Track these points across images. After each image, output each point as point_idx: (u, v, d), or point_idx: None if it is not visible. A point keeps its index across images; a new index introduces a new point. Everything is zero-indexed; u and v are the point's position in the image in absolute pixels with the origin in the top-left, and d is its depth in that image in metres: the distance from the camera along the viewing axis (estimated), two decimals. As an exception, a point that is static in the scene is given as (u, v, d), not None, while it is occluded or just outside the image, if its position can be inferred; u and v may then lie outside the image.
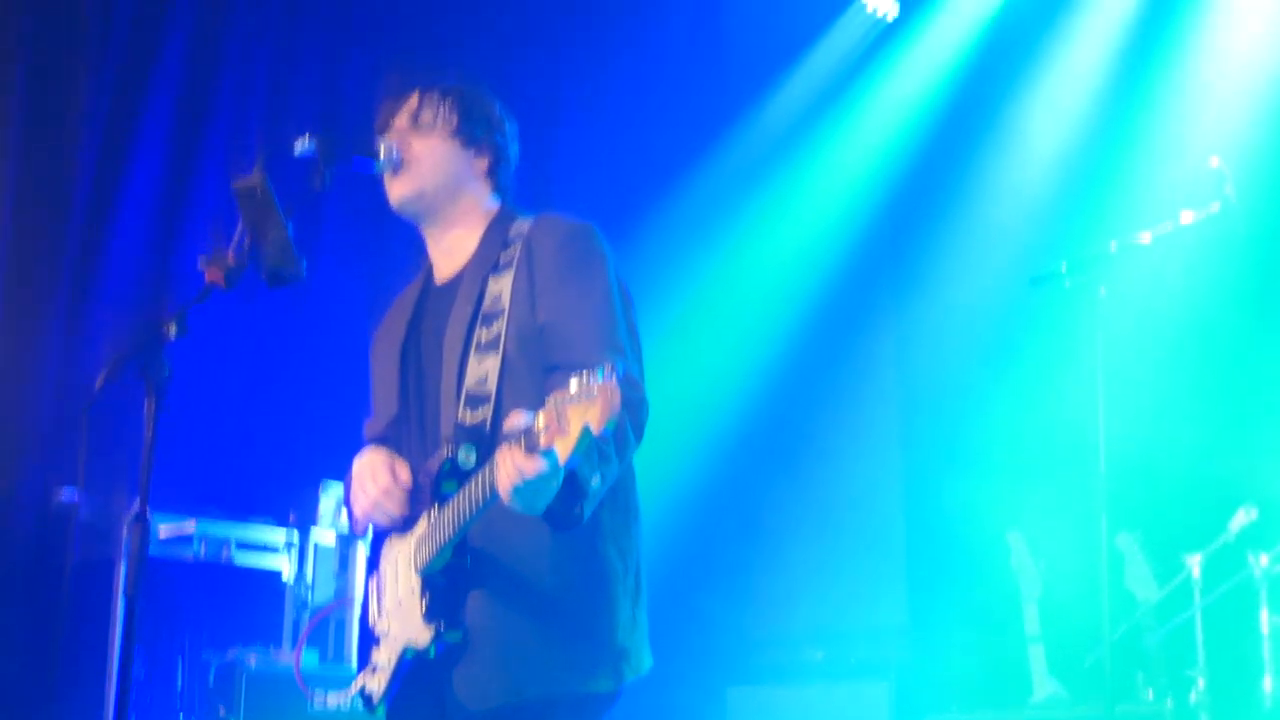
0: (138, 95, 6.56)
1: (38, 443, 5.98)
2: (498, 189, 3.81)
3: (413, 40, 7.31)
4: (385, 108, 3.81)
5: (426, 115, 3.73)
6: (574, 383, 2.92)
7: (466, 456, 3.42)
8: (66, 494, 5.88)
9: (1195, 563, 5.60)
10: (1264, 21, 7.16)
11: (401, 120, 3.75)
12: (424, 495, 3.50)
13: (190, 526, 5.88)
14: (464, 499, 3.34)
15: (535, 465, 3.06)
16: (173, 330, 3.04)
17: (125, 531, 5.36)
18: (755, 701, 7.54)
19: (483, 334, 3.55)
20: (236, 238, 3.21)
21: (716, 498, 8.08)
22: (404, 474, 3.57)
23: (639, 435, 3.42)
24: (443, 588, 3.45)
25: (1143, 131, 7.33)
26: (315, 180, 3.48)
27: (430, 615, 3.43)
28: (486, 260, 3.66)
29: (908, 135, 8.24)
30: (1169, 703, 5.62)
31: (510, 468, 3.10)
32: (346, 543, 6.33)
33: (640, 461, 3.57)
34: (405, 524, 3.56)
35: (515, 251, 3.61)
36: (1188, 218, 5.13)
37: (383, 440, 3.73)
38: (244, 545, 6.17)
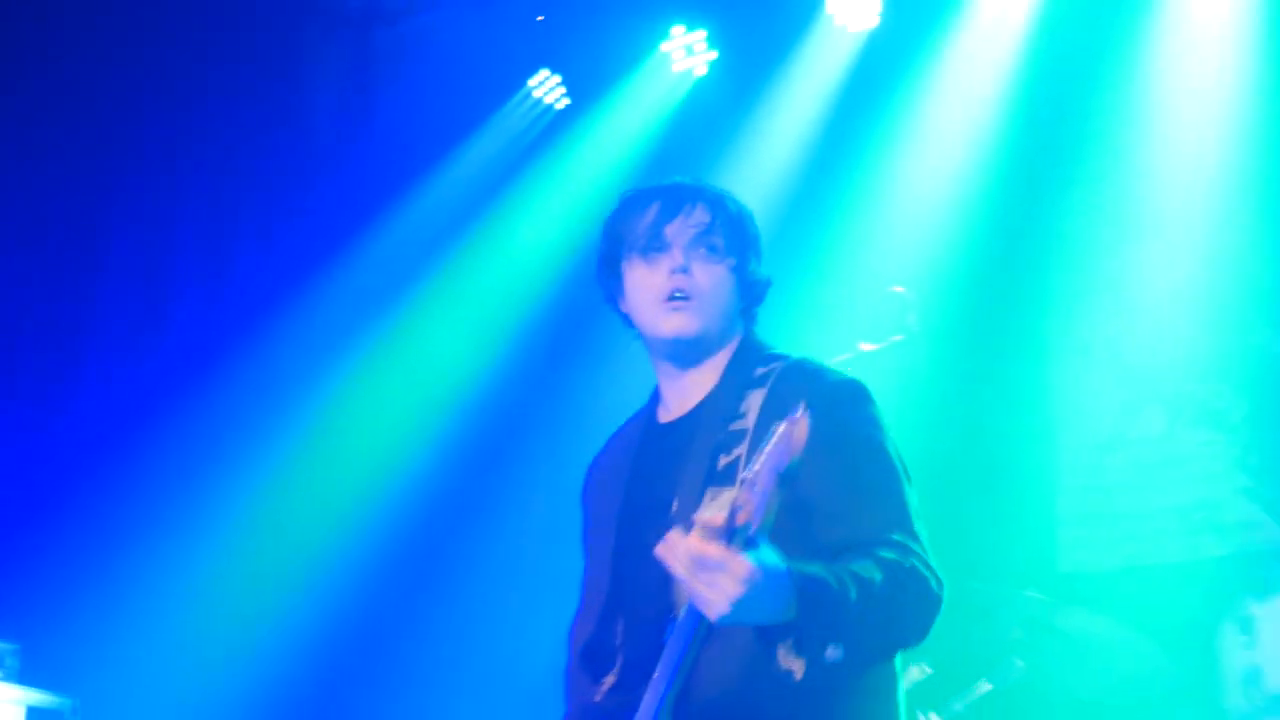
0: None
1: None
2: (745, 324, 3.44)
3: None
4: (656, 214, 3.31)
5: (717, 240, 3.29)
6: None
7: None
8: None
9: None
10: (945, 154, 7.25)
11: (686, 235, 3.28)
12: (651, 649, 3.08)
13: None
14: (670, 643, 2.95)
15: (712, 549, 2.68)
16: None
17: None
18: None
19: (721, 459, 3.13)
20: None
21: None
22: None
23: (917, 632, 2.99)
24: None
25: (827, 260, 7.27)
26: None
27: None
28: (730, 394, 3.25)
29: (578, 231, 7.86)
30: None
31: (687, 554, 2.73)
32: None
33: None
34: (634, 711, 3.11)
35: (766, 387, 3.19)
36: (868, 346, 5.15)
37: (585, 650, 3.32)
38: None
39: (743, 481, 2.70)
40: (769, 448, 2.67)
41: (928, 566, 2.98)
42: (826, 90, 7.41)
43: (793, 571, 2.74)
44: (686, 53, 7.79)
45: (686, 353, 3.28)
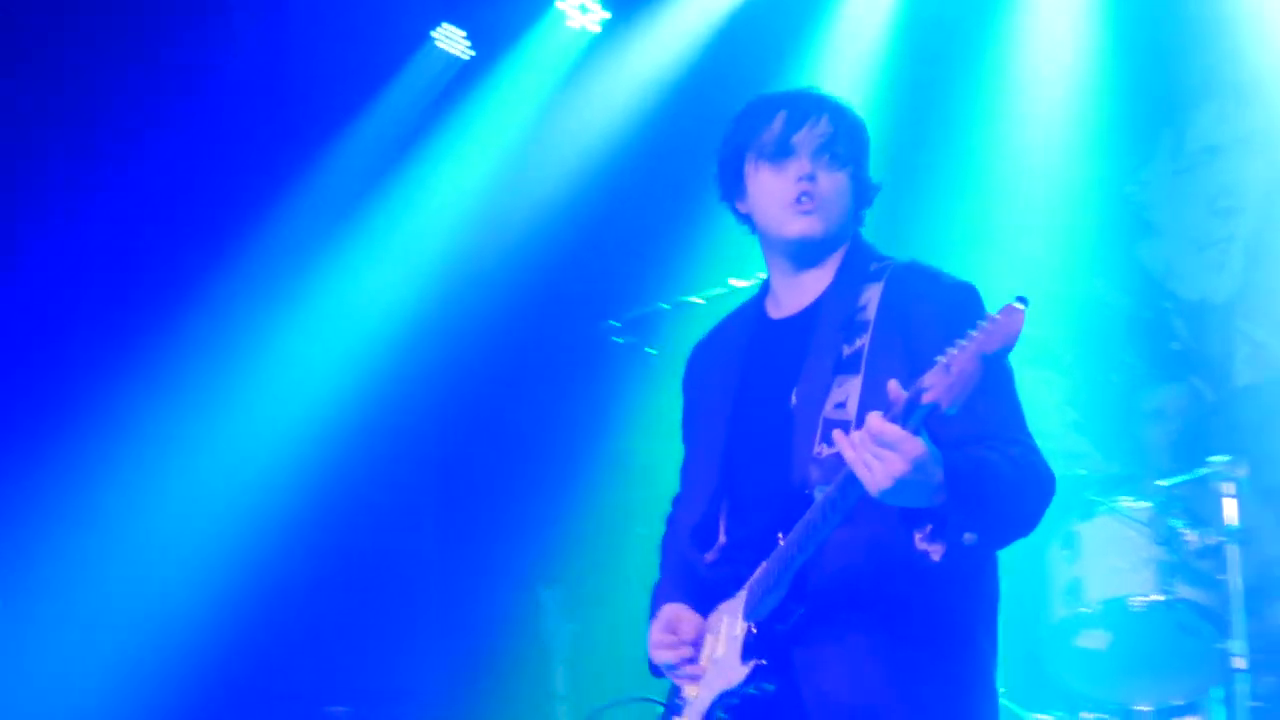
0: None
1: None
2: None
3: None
4: (784, 122, 3.40)
5: (840, 148, 3.37)
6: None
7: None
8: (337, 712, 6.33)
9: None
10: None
11: (811, 144, 3.36)
12: (761, 547, 3.16)
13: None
14: (810, 514, 3.01)
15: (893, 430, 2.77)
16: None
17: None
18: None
19: (845, 349, 3.21)
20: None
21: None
22: (686, 628, 3.30)
23: (1035, 521, 3.12)
24: (770, 634, 3.11)
25: (703, 200, 7.42)
26: None
27: (748, 653, 3.11)
28: (847, 289, 3.34)
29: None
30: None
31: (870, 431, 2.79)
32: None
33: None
34: (737, 583, 3.22)
35: (882, 281, 3.29)
36: (739, 283, 5.17)
37: (695, 526, 3.42)
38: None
39: (936, 363, 2.72)
40: (977, 333, 2.68)
41: (1043, 462, 3.11)
42: (704, 47, 7.76)
43: (948, 464, 2.83)
44: (581, 11, 7.95)
45: (807, 253, 3.37)
